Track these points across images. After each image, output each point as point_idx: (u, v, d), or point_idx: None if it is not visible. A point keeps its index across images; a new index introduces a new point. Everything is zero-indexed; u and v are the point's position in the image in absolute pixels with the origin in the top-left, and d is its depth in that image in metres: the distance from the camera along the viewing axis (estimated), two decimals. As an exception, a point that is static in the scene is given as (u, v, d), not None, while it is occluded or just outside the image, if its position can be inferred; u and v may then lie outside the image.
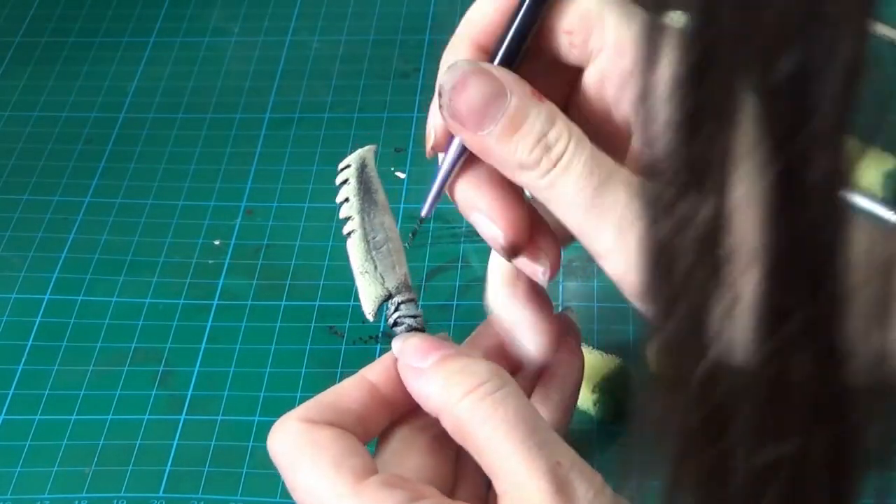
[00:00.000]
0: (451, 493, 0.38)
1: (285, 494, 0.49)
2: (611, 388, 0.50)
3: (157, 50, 0.75)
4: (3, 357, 0.56)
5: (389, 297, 0.42)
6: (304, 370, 0.54)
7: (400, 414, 0.39)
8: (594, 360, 0.51)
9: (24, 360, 0.56)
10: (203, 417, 0.53)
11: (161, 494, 0.50)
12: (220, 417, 0.52)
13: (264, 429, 0.51)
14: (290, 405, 0.52)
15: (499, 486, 0.35)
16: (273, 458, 0.37)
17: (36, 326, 0.58)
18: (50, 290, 0.59)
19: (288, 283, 0.59)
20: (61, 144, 0.68)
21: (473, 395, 0.36)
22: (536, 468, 0.34)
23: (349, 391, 0.38)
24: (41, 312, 0.58)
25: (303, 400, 0.52)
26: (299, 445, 0.36)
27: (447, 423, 0.37)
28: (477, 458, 0.36)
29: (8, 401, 0.54)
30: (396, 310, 0.42)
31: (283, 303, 0.58)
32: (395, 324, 0.41)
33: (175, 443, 0.52)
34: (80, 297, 0.59)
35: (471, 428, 0.35)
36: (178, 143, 0.68)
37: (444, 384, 0.37)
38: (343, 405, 0.38)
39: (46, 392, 0.54)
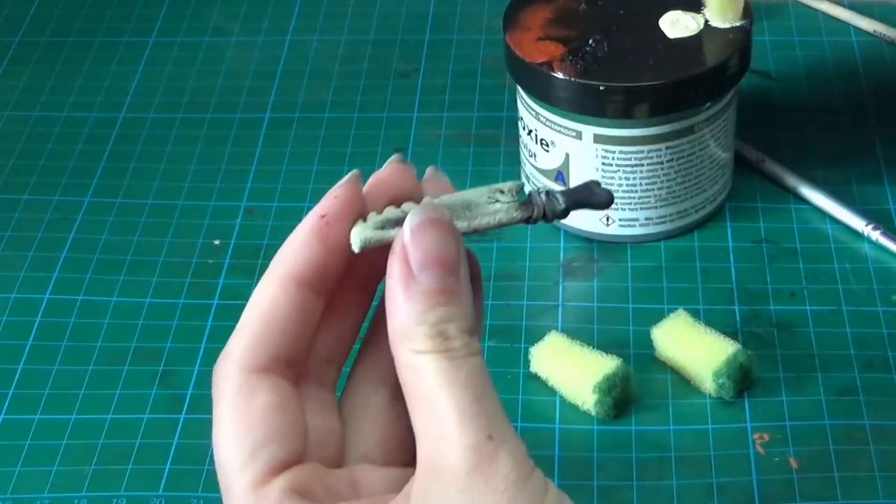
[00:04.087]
0: (405, 461, 0.37)
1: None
2: (610, 387, 0.50)
3: (157, 50, 0.75)
4: (3, 357, 0.56)
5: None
6: (303, 370, 0.54)
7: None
8: (594, 360, 0.51)
9: (24, 359, 0.56)
10: (203, 416, 0.52)
11: (161, 493, 0.50)
12: (219, 417, 0.52)
13: (264, 428, 0.52)
14: (289, 404, 0.53)
15: (421, 449, 0.33)
16: (212, 391, 0.36)
17: (36, 326, 0.58)
18: (50, 289, 0.59)
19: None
20: (61, 144, 0.68)
21: (435, 354, 0.33)
22: (463, 438, 0.32)
23: (288, 313, 0.35)
24: (41, 312, 0.58)
25: (303, 399, 0.53)
26: (229, 407, 0.35)
27: (398, 353, 0.34)
28: (411, 412, 0.34)
29: (8, 400, 0.54)
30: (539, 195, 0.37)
31: (283, 302, 0.58)
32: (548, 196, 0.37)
33: (175, 442, 0.52)
34: (80, 297, 0.59)
35: (417, 376, 0.33)
36: (178, 143, 0.68)
37: (416, 319, 0.33)
38: (290, 337, 0.35)
39: (46, 392, 0.54)
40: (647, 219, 0.58)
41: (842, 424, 0.50)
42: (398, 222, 0.35)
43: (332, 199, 0.36)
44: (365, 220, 0.36)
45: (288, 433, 0.35)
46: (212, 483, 0.50)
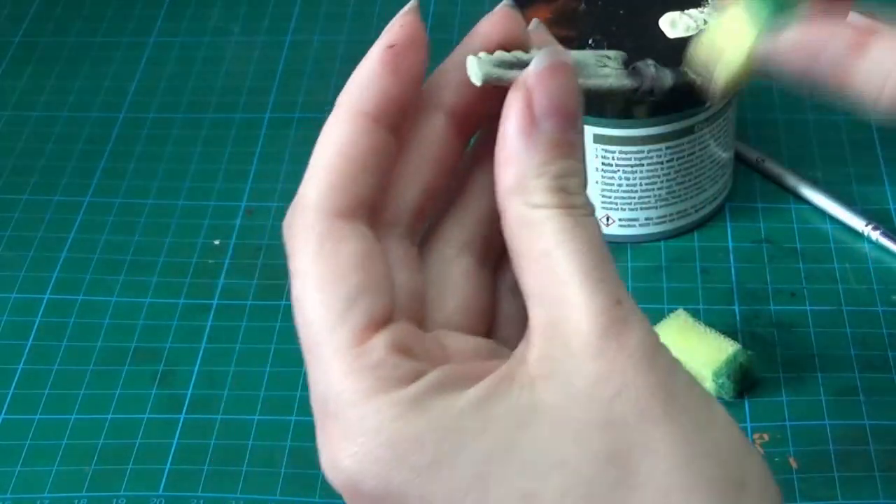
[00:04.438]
0: (488, 331, 0.34)
1: (285, 492, 0.49)
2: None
3: (157, 50, 0.75)
4: (3, 357, 0.56)
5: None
6: (303, 370, 0.54)
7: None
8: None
9: (24, 359, 0.56)
10: (203, 416, 0.53)
11: (161, 493, 0.50)
12: (219, 416, 0.52)
13: (264, 428, 0.52)
14: (289, 404, 0.53)
15: (538, 314, 0.30)
16: (286, 245, 0.32)
17: (36, 326, 0.58)
18: (50, 289, 0.59)
19: (288, 282, 0.58)
20: (61, 144, 0.68)
21: (556, 209, 0.30)
22: (593, 301, 0.29)
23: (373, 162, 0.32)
24: (41, 312, 0.58)
25: (302, 400, 0.53)
26: (314, 256, 0.31)
27: (509, 207, 0.31)
28: (520, 272, 0.31)
29: (8, 400, 0.54)
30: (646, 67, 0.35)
31: (283, 302, 0.58)
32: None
33: (175, 442, 0.52)
34: (80, 297, 0.59)
35: (534, 232, 0.30)
36: (178, 143, 0.68)
37: (537, 170, 0.30)
38: (370, 177, 0.32)
39: (46, 392, 0.54)
40: (647, 219, 0.58)
41: (842, 424, 0.50)
42: (517, 65, 0.32)
43: (397, 28, 0.33)
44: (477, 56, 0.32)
45: (381, 285, 0.31)
46: (212, 483, 0.50)
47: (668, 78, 0.35)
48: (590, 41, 0.56)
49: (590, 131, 0.56)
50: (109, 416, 0.53)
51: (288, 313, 0.57)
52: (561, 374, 0.29)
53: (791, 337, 0.54)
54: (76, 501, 0.50)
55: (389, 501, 0.29)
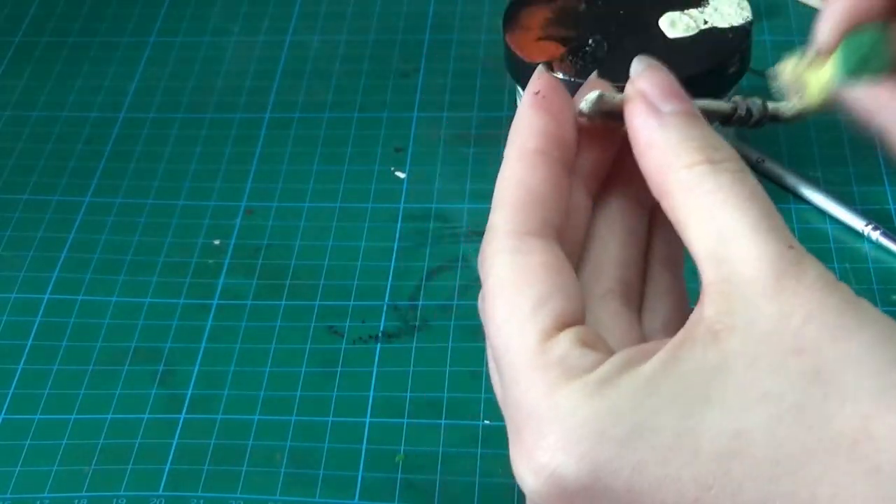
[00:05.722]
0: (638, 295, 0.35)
1: (285, 492, 0.49)
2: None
3: (157, 50, 0.75)
4: (3, 357, 0.56)
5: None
6: (303, 370, 0.54)
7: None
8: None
9: (24, 359, 0.56)
10: (203, 416, 0.53)
11: (161, 493, 0.50)
12: (219, 416, 0.52)
13: (264, 428, 0.52)
14: (289, 404, 0.53)
15: (710, 274, 0.31)
16: (480, 273, 0.33)
17: (36, 326, 0.58)
18: (50, 289, 0.59)
19: (288, 282, 0.59)
20: (61, 144, 0.68)
21: (710, 164, 0.31)
22: (767, 248, 0.30)
23: (550, 186, 0.33)
24: (41, 312, 0.58)
25: (302, 400, 0.53)
26: (505, 268, 0.32)
27: (665, 180, 0.32)
28: (685, 235, 0.32)
29: (8, 400, 0.54)
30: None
31: (283, 302, 0.58)
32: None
33: (175, 441, 0.52)
34: (80, 297, 0.59)
35: (693, 195, 0.31)
36: (178, 143, 0.68)
37: (679, 138, 0.32)
38: (550, 203, 0.33)
39: (46, 391, 0.54)
40: (647, 219, 0.58)
41: (842, 424, 0.50)
42: (612, 105, 0.34)
43: (537, 80, 0.35)
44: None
45: (569, 291, 0.32)
46: (212, 483, 0.50)
47: (757, 106, 0.37)
48: (590, 41, 0.56)
49: (590, 131, 0.56)
50: (109, 416, 0.53)
51: (288, 313, 0.57)
52: (743, 322, 0.30)
53: (791, 337, 0.54)
54: (76, 501, 0.50)
55: (600, 488, 0.29)
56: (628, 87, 0.33)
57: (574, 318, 0.31)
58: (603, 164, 0.36)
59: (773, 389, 0.29)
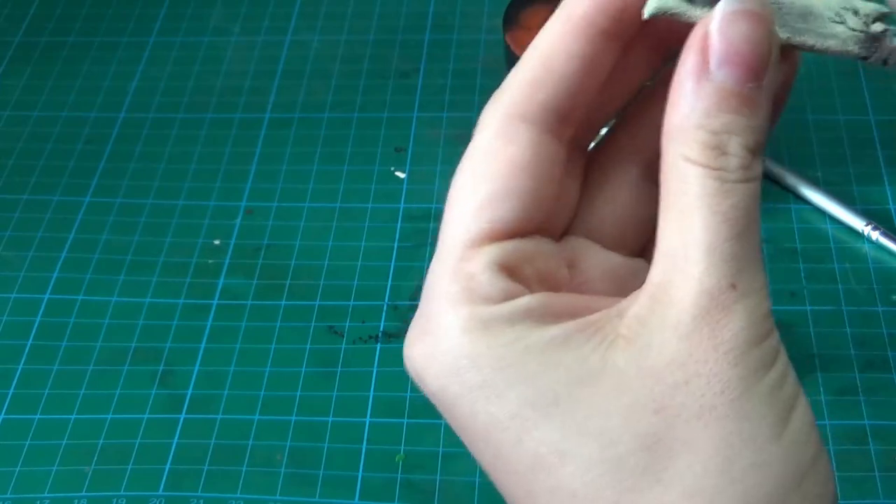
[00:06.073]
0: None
1: (284, 492, 0.49)
2: None
3: (157, 50, 0.75)
4: (3, 357, 0.56)
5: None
6: (303, 369, 0.54)
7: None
8: None
9: (24, 359, 0.56)
10: (203, 416, 0.53)
11: (161, 493, 0.50)
12: (219, 416, 0.53)
13: (264, 427, 0.52)
14: (289, 404, 0.53)
15: (656, 269, 0.29)
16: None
17: (36, 326, 0.58)
18: (50, 289, 0.59)
19: (288, 282, 0.59)
20: (61, 144, 0.68)
21: (703, 167, 0.29)
22: (704, 278, 0.28)
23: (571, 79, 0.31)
24: (41, 312, 0.58)
25: (302, 400, 0.53)
26: (478, 150, 0.31)
27: (667, 149, 0.30)
28: (661, 214, 0.30)
29: (8, 400, 0.54)
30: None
31: (283, 302, 0.58)
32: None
33: (175, 441, 0.52)
34: (80, 297, 0.59)
35: (677, 187, 0.29)
36: (178, 143, 0.68)
37: (699, 120, 0.29)
38: (565, 83, 0.31)
39: (46, 391, 0.54)
40: (647, 219, 0.58)
41: (842, 424, 0.50)
42: (708, 2, 0.30)
43: None
44: None
45: (527, 199, 0.31)
46: (212, 483, 0.50)
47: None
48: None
49: (590, 131, 0.56)
50: (109, 416, 0.53)
51: (288, 313, 0.57)
52: (643, 343, 0.29)
53: (791, 337, 0.54)
54: (76, 501, 0.50)
55: (444, 402, 0.30)
56: (704, 21, 0.30)
57: (516, 228, 0.30)
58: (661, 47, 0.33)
59: (611, 432, 0.28)
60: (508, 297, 0.30)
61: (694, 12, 0.30)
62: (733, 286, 0.28)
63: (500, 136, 0.31)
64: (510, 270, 0.30)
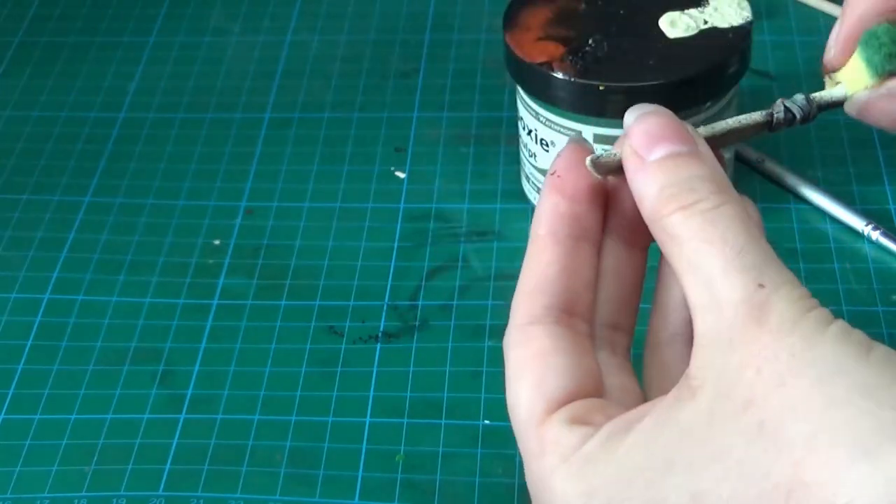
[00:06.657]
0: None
1: (285, 492, 0.49)
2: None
3: (157, 50, 0.75)
4: (3, 357, 0.56)
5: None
6: (304, 370, 0.54)
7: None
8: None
9: (23, 359, 0.56)
10: (203, 416, 0.53)
11: (161, 493, 0.50)
12: (219, 416, 0.53)
13: (264, 427, 0.52)
14: (289, 404, 0.53)
15: (698, 325, 0.32)
16: None
17: (36, 326, 0.58)
18: (50, 289, 0.59)
19: (288, 282, 0.59)
20: (61, 144, 0.68)
21: (682, 211, 0.33)
22: (733, 294, 0.31)
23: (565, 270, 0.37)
24: (41, 312, 0.58)
25: (302, 400, 0.53)
26: (510, 363, 0.36)
27: (657, 235, 0.34)
28: (679, 275, 0.33)
29: (8, 400, 0.54)
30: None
31: (283, 303, 0.58)
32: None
33: (175, 441, 0.52)
34: (80, 297, 0.59)
35: (675, 244, 0.33)
36: (178, 143, 0.68)
37: (659, 187, 0.33)
38: (555, 284, 0.37)
39: (46, 391, 0.54)
40: (647, 219, 0.58)
41: (842, 424, 0.50)
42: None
43: (557, 159, 0.37)
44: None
45: (560, 370, 0.35)
46: (212, 483, 0.50)
47: (809, 106, 0.38)
48: (590, 41, 0.56)
49: (590, 131, 0.56)
50: (109, 416, 0.53)
51: (288, 313, 0.57)
52: (713, 376, 0.31)
53: (791, 337, 0.54)
54: (76, 501, 0.50)
55: None
56: (621, 140, 0.35)
57: (568, 392, 0.34)
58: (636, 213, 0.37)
59: (723, 447, 0.30)
60: (589, 436, 0.33)
61: (617, 150, 0.36)
62: (761, 286, 0.31)
63: (520, 343, 0.36)
64: (581, 420, 0.34)
